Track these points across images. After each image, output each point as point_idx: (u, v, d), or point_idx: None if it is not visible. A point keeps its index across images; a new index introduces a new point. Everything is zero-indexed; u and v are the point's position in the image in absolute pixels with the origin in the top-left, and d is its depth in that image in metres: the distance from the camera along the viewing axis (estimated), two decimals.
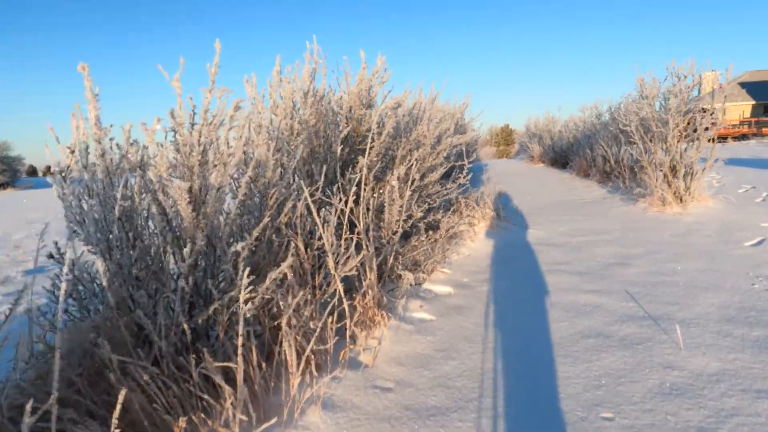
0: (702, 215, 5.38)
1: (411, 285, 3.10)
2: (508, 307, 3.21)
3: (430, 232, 3.49)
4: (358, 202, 2.85)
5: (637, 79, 6.19)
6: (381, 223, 2.79)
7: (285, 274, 2.08)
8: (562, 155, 12.98)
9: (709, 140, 5.75)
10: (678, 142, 5.76)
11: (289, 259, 1.71)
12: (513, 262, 4.27)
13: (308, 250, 2.17)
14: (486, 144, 44.47)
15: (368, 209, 2.66)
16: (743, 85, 34.15)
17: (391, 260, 2.98)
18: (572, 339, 2.67)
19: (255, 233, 1.81)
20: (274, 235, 2.05)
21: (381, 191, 2.86)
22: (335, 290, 2.20)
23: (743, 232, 4.54)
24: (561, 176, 11.45)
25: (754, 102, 33.14)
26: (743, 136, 27.29)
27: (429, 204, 3.62)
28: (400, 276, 3.15)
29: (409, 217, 3.11)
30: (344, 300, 2.15)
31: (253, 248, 1.97)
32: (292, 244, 2.08)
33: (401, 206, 2.75)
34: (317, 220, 1.91)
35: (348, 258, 2.20)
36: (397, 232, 2.84)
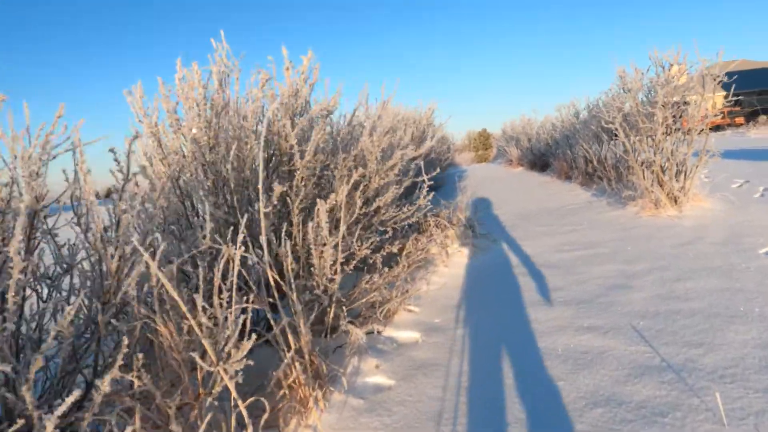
0: (702, 218, 4.79)
1: (361, 341, 2.40)
2: (490, 360, 2.52)
3: (387, 268, 2.81)
4: (283, 243, 2.15)
5: (618, 71, 5.63)
6: (312, 269, 2.10)
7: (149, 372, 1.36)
8: (541, 157, 12.46)
9: (700, 131, 5.20)
10: (668, 135, 5.19)
11: (113, 371, 1.00)
12: (494, 291, 3.60)
13: (188, 331, 1.47)
14: (465, 149, 44.30)
15: (292, 253, 1.96)
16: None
17: (332, 312, 2.28)
18: (575, 410, 1.99)
19: (64, 323, 1.10)
20: (115, 320, 1.35)
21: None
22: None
23: (754, 238, 3.95)
24: (541, 180, 10.90)
25: (725, 93, 33.39)
26: (717, 127, 27.32)
27: (385, 232, 2.94)
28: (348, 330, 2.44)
29: (350, 257, 2.42)
30: (240, 403, 1.43)
31: (70, 349, 1.27)
32: (157, 328, 1.38)
33: (336, 245, 2.06)
34: (171, 289, 1.21)
35: (250, 333, 1.48)
36: (334, 279, 2.14)
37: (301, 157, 2.11)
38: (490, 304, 3.34)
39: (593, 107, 8.35)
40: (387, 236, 3.01)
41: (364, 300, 2.62)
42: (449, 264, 4.16)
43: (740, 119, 29.94)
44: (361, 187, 2.43)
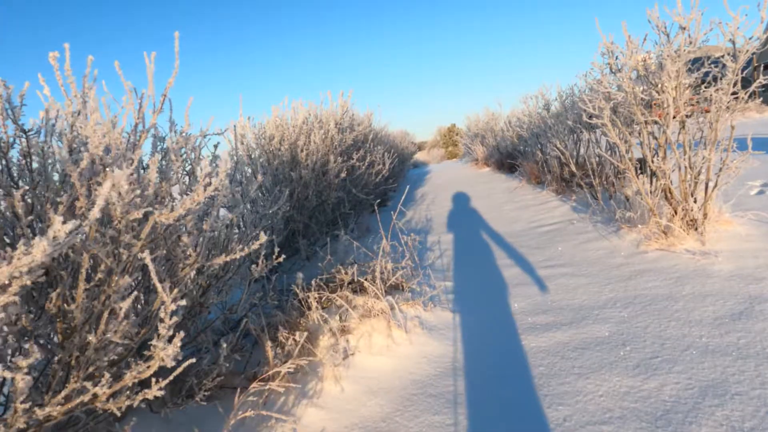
0: (741, 254, 3.17)
1: None
2: None
3: None
4: None
5: (603, 43, 3.98)
6: None
7: None
8: (508, 157, 10.86)
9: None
10: (683, 130, 3.57)
11: None
12: None
13: None
14: (436, 145, 43.07)
15: None
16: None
17: None
18: None
19: None
20: None
21: None
22: None
23: None
24: (509, 184, 9.26)
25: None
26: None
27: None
28: None
29: None
30: None
31: None
32: None
33: None
34: None
35: None
36: None
37: None
38: None
39: (567, 96, 6.75)
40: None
41: None
42: (344, 374, 2.41)
43: (708, 107, 29.11)
44: None
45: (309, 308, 2.66)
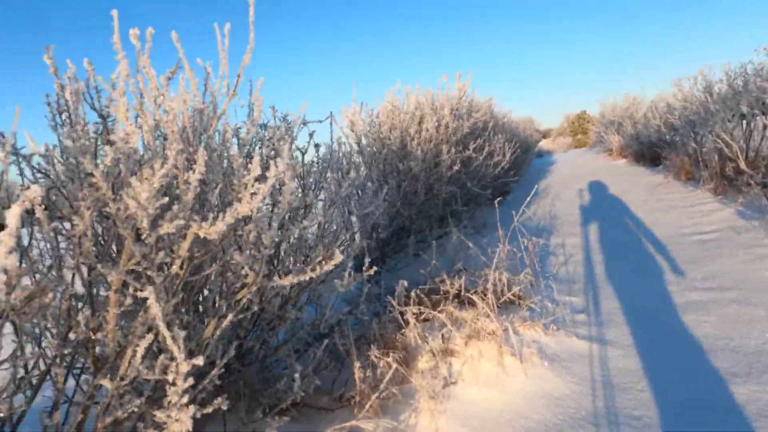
0: None
1: None
2: None
3: None
4: None
5: None
6: None
7: None
8: (651, 148, 9.48)
9: None
10: None
11: None
12: None
13: None
14: (562, 133, 40.31)
15: None
16: None
17: None
18: None
19: None
20: None
21: None
22: None
23: None
24: (651, 179, 8.06)
25: None
26: None
27: None
28: None
29: None
30: None
31: None
32: None
33: None
34: None
35: None
36: None
37: None
38: None
39: (737, 76, 5.54)
40: None
41: None
42: (443, 408, 2.05)
43: None
44: None
45: (406, 323, 2.35)
